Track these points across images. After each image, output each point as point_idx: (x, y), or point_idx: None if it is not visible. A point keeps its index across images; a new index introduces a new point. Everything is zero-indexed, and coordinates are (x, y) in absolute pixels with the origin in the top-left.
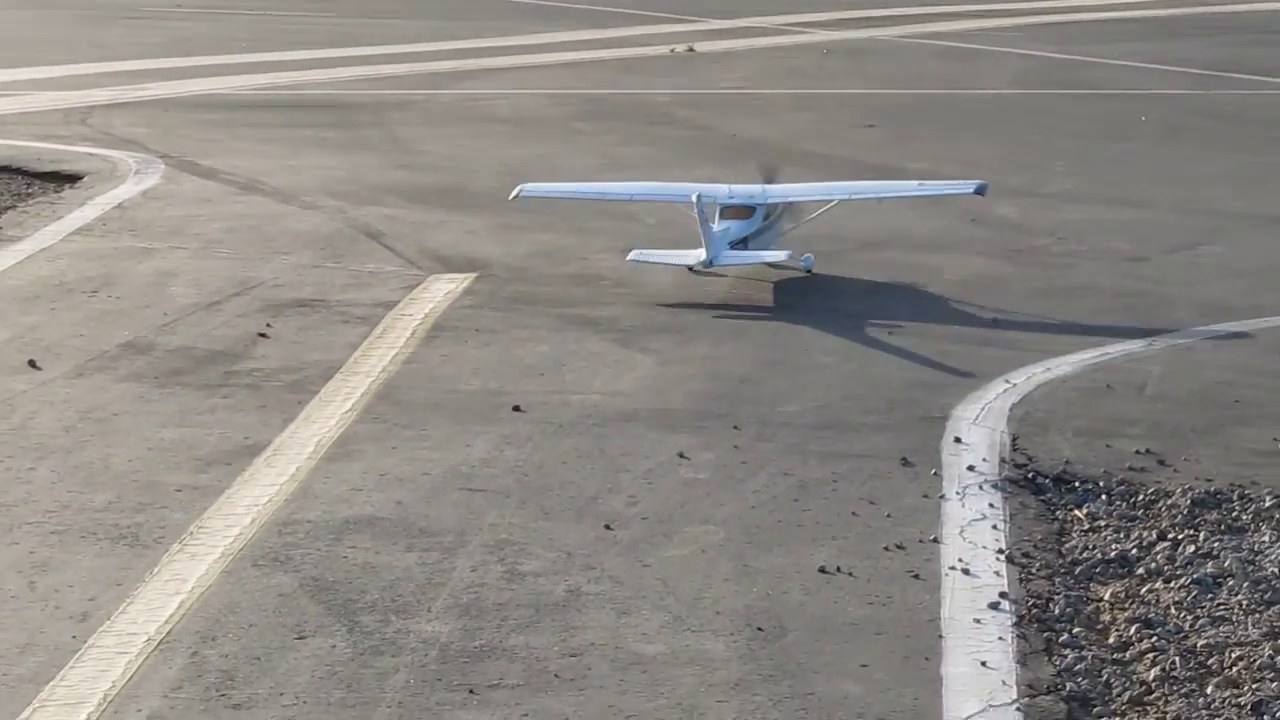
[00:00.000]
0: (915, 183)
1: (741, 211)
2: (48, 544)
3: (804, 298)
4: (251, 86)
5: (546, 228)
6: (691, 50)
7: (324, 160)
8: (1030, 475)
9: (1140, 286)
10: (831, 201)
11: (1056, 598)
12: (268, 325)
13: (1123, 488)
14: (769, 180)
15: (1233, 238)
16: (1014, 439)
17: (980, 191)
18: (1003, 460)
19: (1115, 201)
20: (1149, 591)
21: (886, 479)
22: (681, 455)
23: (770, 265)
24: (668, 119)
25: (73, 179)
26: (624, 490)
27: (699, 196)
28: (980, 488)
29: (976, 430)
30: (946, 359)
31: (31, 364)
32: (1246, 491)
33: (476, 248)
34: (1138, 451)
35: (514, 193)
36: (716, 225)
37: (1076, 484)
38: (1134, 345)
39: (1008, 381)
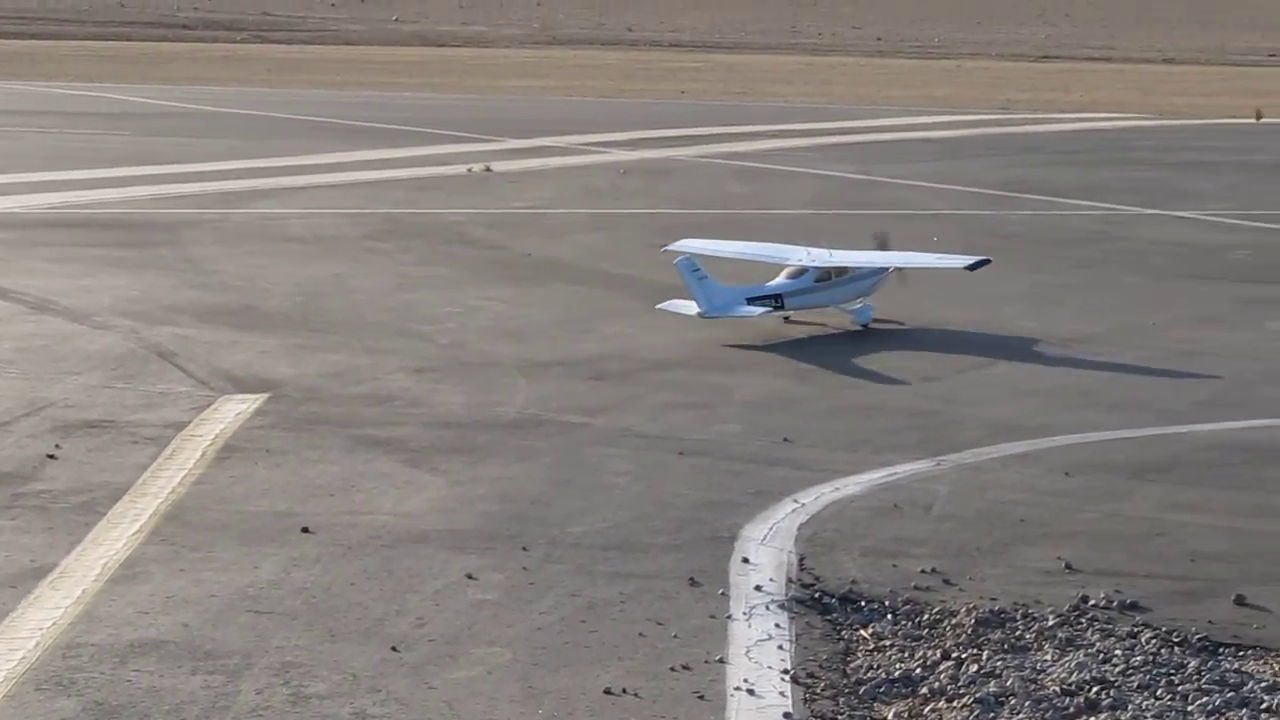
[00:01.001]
0: (934, 255)
1: (795, 272)
2: None
3: (596, 417)
4: (45, 205)
5: (339, 348)
6: (489, 170)
7: (117, 280)
8: (817, 595)
9: (931, 406)
10: (889, 269)
11: (841, 718)
12: (57, 446)
13: (908, 607)
14: (882, 247)
15: (1022, 358)
16: (801, 559)
17: (980, 265)
18: (789, 580)
19: (907, 321)
20: (932, 711)
21: (674, 599)
22: (470, 576)
23: (753, 318)
24: (464, 238)
25: None
26: (411, 612)
27: (684, 259)
28: (767, 608)
29: (764, 550)
30: (736, 479)
31: None
32: (1030, 610)
33: (269, 368)
34: (924, 571)
35: (669, 247)
36: (778, 280)
37: (862, 603)
38: (922, 465)
39: (796, 501)
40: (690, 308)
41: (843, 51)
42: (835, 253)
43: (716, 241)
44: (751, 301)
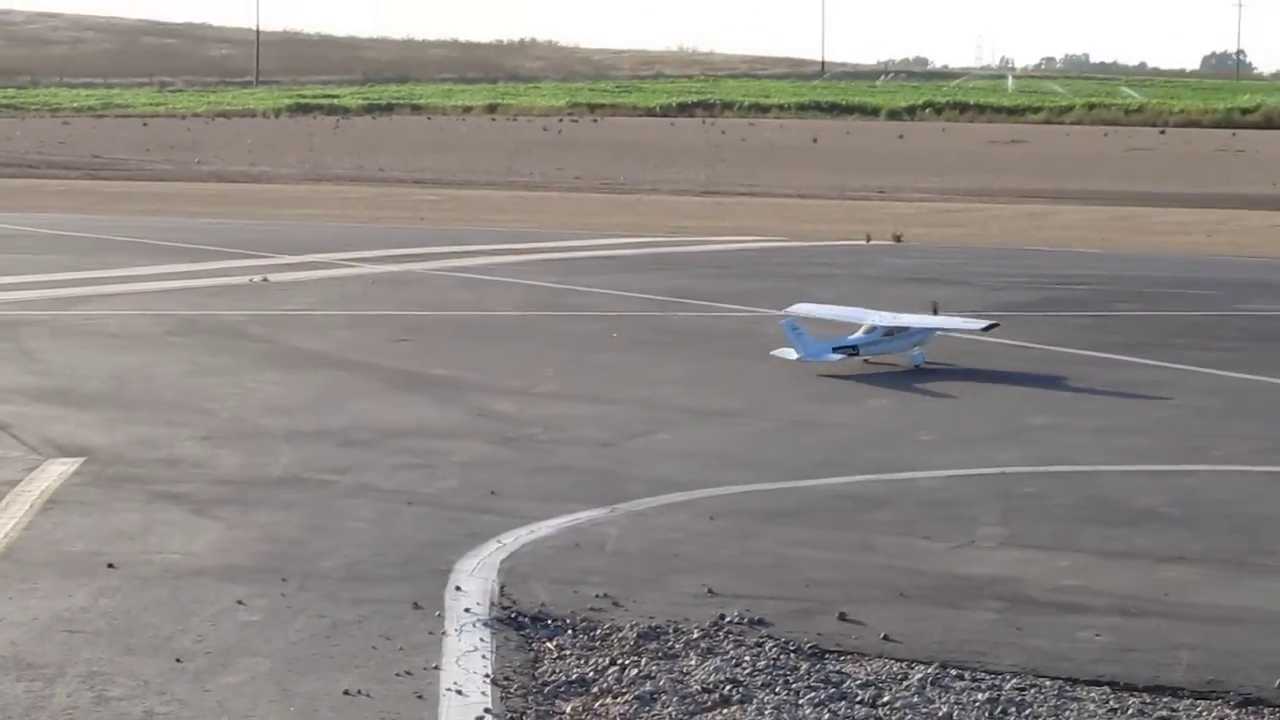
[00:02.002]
0: (960, 319)
1: (869, 329)
2: None
3: (344, 475)
4: None
5: (142, 421)
6: (266, 280)
7: None
8: (513, 615)
9: (607, 466)
10: (933, 329)
11: (529, 711)
12: None
13: (585, 624)
14: (935, 311)
15: (681, 428)
16: (502, 586)
17: (989, 329)
18: (492, 604)
19: (591, 399)
20: (601, 705)
21: (400, 619)
22: (240, 602)
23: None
24: (244, 334)
25: None
26: (193, 630)
27: (787, 320)
28: (474, 625)
29: (473, 580)
30: (452, 524)
31: None
32: (679, 626)
33: (86, 437)
34: (598, 595)
35: (787, 309)
36: (856, 334)
37: (549, 621)
38: (599, 512)
39: (499, 541)
40: (791, 354)
41: (549, 188)
42: (899, 315)
43: (822, 306)
44: (836, 350)
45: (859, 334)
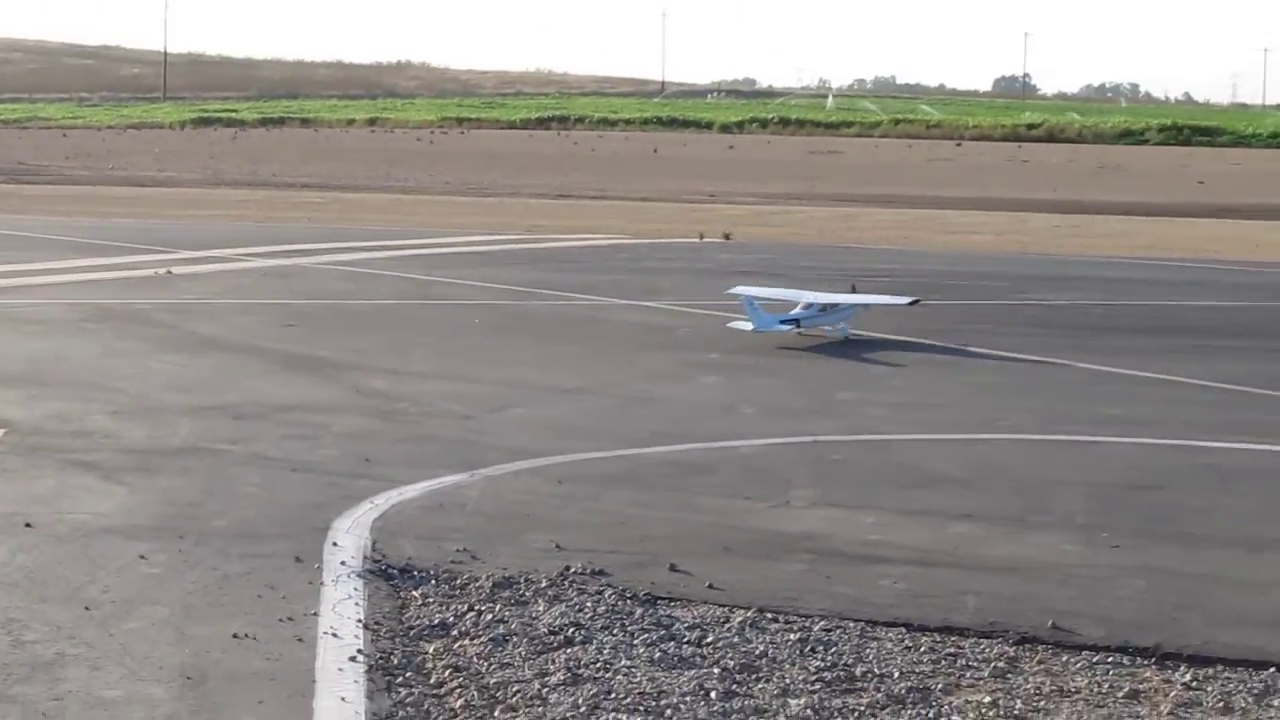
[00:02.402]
0: (886, 297)
1: (805, 306)
2: None
3: (236, 445)
4: None
5: (58, 397)
6: (170, 273)
7: None
8: (384, 567)
9: (468, 436)
10: (858, 304)
11: (396, 652)
12: None
13: (446, 575)
14: (853, 290)
15: (533, 403)
16: (374, 542)
17: (914, 303)
18: (365, 557)
19: (455, 378)
20: (459, 646)
21: (284, 571)
22: (142, 556)
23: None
24: (150, 321)
25: None
26: (100, 582)
27: (748, 297)
28: (348, 576)
29: (349, 536)
30: (332, 487)
31: None
32: (530, 577)
33: (7, 411)
34: (458, 550)
35: (731, 289)
36: (796, 310)
37: (415, 573)
38: (462, 477)
39: (372, 503)
40: (747, 325)
41: (422, 192)
42: (832, 295)
43: (760, 289)
44: (783, 322)
45: (799, 309)
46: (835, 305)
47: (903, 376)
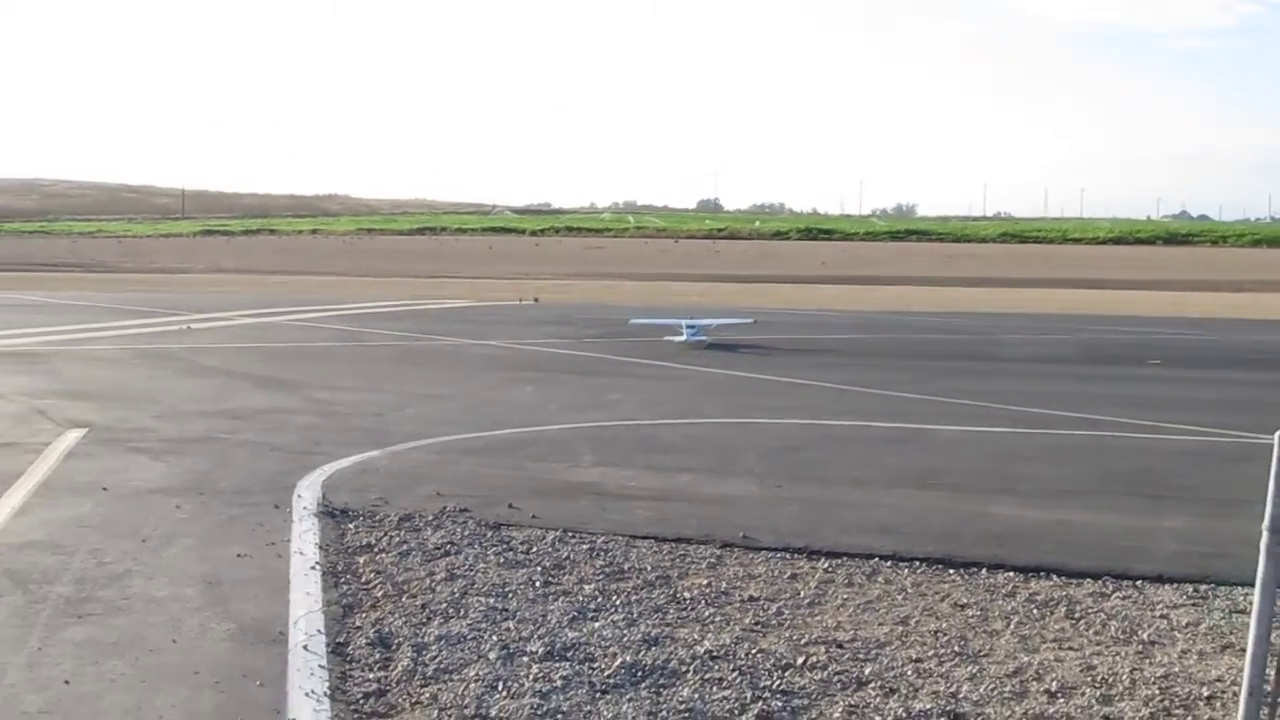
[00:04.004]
0: (735, 318)
1: (690, 324)
2: None
3: (234, 435)
4: None
5: (121, 409)
6: (189, 327)
7: (19, 380)
8: (330, 510)
9: (380, 426)
10: (721, 323)
11: (340, 562)
12: None
13: (368, 513)
14: (704, 317)
15: (419, 405)
16: (324, 494)
17: (754, 323)
18: (318, 504)
19: (370, 390)
20: (379, 558)
21: (267, 514)
22: (177, 506)
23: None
24: (176, 358)
25: None
26: (150, 523)
27: (691, 322)
28: (308, 516)
29: (308, 491)
30: (295, 460)
31: None
32: (421, 513)
33: (88, 418)
34: (375, 498)
35: (631, 321)
36: (693, 327)
37: (349, 513)
38: (376, 453)
39: (322, 470)
40: (680, 338)
41: (346, 274)
42: (704, 319)
43: (650, 319)
44: (694, 336)
45: (695, 327)
46: (706, 325)
47: (649, 384)
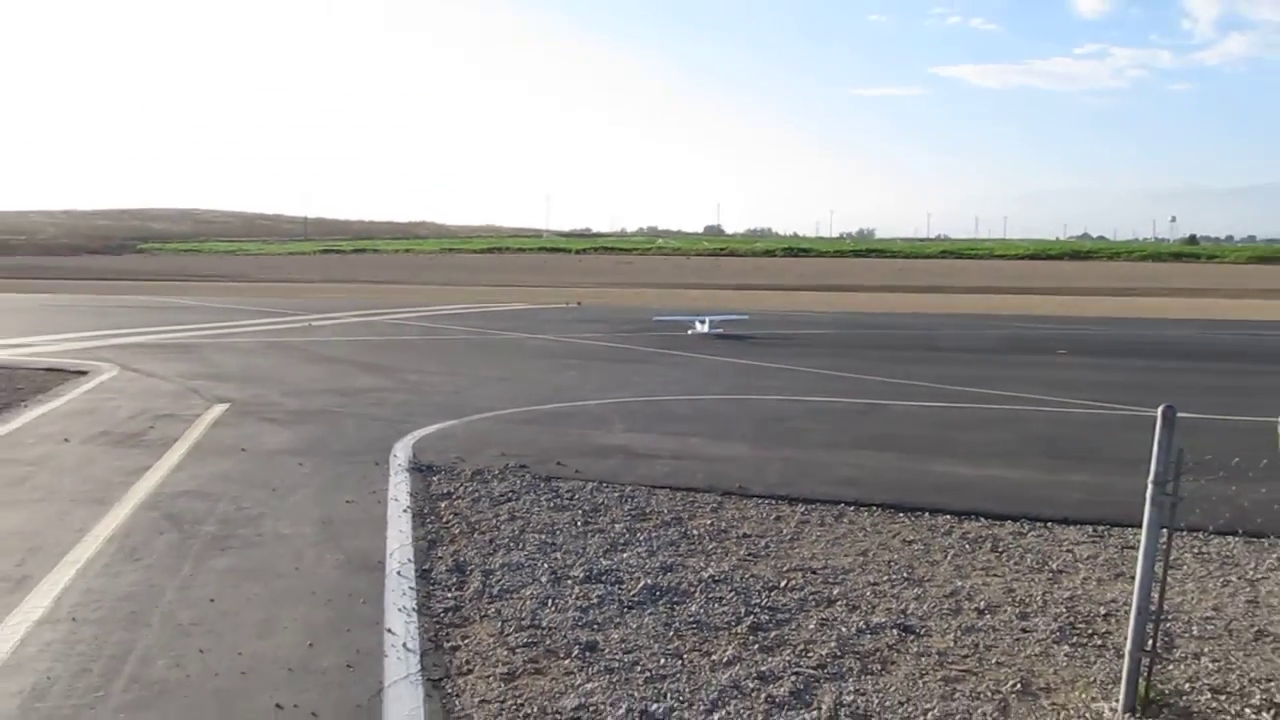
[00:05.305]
0: (734, 314)
1: (704, 320)
2: None
3: (344, 409)
4: (134, 342)
5: (257, 387)
6: (310, 324)
7: (176, 366)
8: (419, 466)
9: (456, 401)
10: (724, 318)
11: (426, 506)
12: (152, 424)
13: (448, 469)
14: (710, 314)
15: (488, 386)
16: (414, 454)
17: (748, 319)
18: (410, 461)
19: (448, 374)
20: (456, 503)
21: (370, 470)
22: (300, 464)
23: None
24: (298, 348)
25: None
26: (279, 477)
27: (701, 319)
28: (402, 471)
29: (401, 451)
30: (391, 428)
31: None
32: (489, 469)
33: (231, 394)
34: (454, 457)
35: (654, 319)
36: (706, 321)
37: (434, 468)
38: (454, 422)
39: (413, 435)
40: (703, 329)
41: (428, 284)
42: (710, 314)
43: (670, 315)
44: (712, 328)
45: (708, 321)
46: (711, 319)
47: (666, 369)
